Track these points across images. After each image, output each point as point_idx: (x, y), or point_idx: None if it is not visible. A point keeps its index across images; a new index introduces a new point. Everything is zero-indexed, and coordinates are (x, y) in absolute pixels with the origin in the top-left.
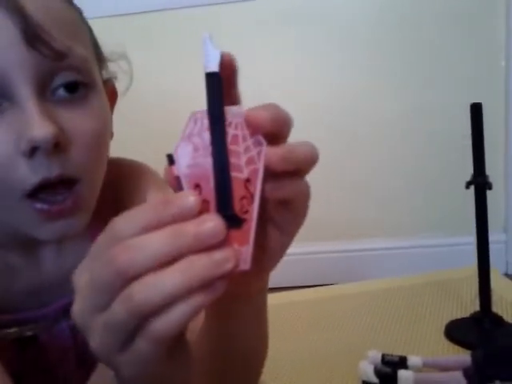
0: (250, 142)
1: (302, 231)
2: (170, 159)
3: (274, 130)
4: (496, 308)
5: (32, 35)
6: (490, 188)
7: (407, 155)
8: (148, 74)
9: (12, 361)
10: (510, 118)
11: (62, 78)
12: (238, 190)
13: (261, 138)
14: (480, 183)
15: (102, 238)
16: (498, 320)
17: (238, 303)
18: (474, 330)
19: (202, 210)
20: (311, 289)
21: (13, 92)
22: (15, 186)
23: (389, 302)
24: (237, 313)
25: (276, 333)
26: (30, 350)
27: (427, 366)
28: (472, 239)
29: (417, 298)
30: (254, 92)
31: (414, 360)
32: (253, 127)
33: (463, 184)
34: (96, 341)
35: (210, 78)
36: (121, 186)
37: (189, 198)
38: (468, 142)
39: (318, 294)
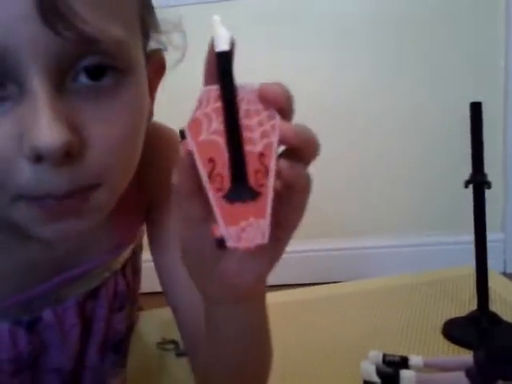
0: (263, 116)
1: (301, 229)
2: (182, 134)
3: (287, 106)
4: (493, 307)
5: (49, 8)
6: (490, 187)
7: (405, 154)
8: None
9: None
10: (509, 117)
11: (86, 61)
12: (252, 164)
13: (274, 112)
14: (479, 182)
15: None
16: (495, 319)
17: (237, 306)
18: (471, 329)
19: (217, 183)
20: (310, 287)
21: (22, 75)
22: (12, 190)
23: (386, 300)
24: (235, 317)
25: (275, 332)
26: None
27: (428, 366)
28: (470, 238)
29: (414, 297)
30: None
31: (415, 360)
32: (266, 101)
33: (461, 183)
34: None
35: (222, 56)
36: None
37: None
38: (467, 141)
39: (317, 293)
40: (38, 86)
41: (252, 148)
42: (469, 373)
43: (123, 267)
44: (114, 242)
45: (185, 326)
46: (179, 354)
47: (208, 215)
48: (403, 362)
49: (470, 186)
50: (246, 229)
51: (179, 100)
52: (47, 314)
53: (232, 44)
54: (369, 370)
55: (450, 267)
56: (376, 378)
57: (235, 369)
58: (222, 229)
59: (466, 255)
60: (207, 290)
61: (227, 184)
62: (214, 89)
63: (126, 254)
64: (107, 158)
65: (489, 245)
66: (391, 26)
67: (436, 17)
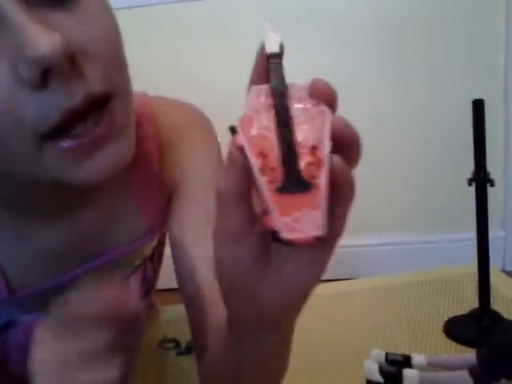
0: (313, 111)
1: None
2: (233, 130)
3: (334, 101)
4: (495, 304)
5: None
6: (493, 185)
7: (407, 152)
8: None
9: None
10: (510, 115)
11: None
12: (304, 157)
13: (324, 107)
14: (481, 180)
15: None
16: (496, 316)
17: (265, 330)
18: (472, 327)
19: (269, 176)
20: None
21: None
22: (27, 131)
23: (387, 299)
24: (262, 340)
25: None
26: None
27: (431, 365)
28: (471, 236)
29: (416, 296)
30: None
31: (418, 359)
32: (318, 95)
33: (463, 180)
34: None
35: (273, 57)
36: (163, 134)
37: None
38: (467, 140)
39: (316, 292)
40: (12, 8)
41: (304, 141)
42: (472, 371)
43: (152, 254)
44: (142, 227)
45: (196, 326)
46: (180, 353)
47: (249, 228)
48: (406, 361)
49: (472, 184)
50: (300, 219)
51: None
52: None
53: (282, 46)
54: (372, 369)
55: (452, 266)
56: (379, 377)
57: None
58: (275, 219)
59: (467, 254)
60: (244, 313)
61: (280, 177)
62: (264, 87)
63: (155, 242)
64: (106, 63)
65: (489, 242)
66: (391, 25)
67: (436, 16)
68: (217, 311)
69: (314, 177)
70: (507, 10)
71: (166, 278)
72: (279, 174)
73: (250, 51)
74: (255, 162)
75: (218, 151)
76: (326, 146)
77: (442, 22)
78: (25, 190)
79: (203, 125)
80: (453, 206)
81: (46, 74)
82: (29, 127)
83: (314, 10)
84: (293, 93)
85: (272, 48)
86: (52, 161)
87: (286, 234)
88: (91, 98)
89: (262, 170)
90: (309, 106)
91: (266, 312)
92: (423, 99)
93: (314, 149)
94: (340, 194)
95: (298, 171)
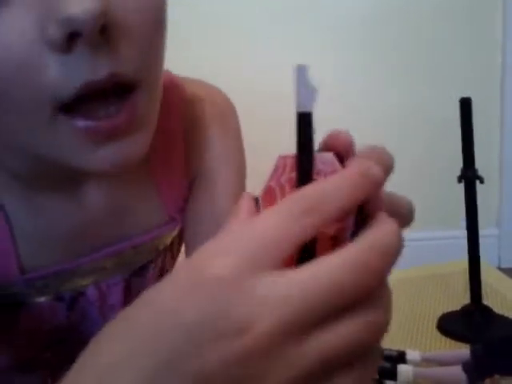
0: None
1: None
2: (257, 202)
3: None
4: (489, 301)
5: None
6: (482, 182)
7: (401, 149)
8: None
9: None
10: (505, 113)
11: None
12: (321, 247)
13: None
14: (470, 177)
15: (290, 208)
16: (488, 312)
17: None
18: (464, 323)
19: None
20: None
21: None
22: (43, 97)
23: None
24: None
25: None
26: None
27: (426, 361)
28: (464, 233)
29: (409, 292)
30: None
31: (412, 355)
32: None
33: (455, 178)
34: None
35: (303, 118)
36: (189, 115)
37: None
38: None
39: None
40: None
41: (325, 229)
42: (465, 367)
43: (171, 243)
44: (164, 215)
45: None
46: None
47: None
48: (400, 357)
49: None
50: None
51: None
52: (91, 291)
53: (314, 101)
54: None
55: (445, 262)
56: None
57: None
58: None
59: (461, 250)
60: None
61: (295, 261)
62: (291, 156)
63: (175, 231)
64: (141, 44)
65: (483, 240)
66: (390, 24)
67: (434, 15)
68: None
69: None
70: (504, 7)
71: None
72: (295, 258)
73: (248, 48)
74: None
75: (241, 141)
76: (347, 238)
77: (438, 19)
78: (35, 163)
79: (231, 112)
80: (447, 203)
81: (73, 38)
82: (45, 91)
83: (308, 7)
84: (321, 167)
85: (303, 105)
86: (65, 139)
87: None
88: (117, 80)
89: None
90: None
91: None
92: (418, 96)
93: (334, 238)
94: None
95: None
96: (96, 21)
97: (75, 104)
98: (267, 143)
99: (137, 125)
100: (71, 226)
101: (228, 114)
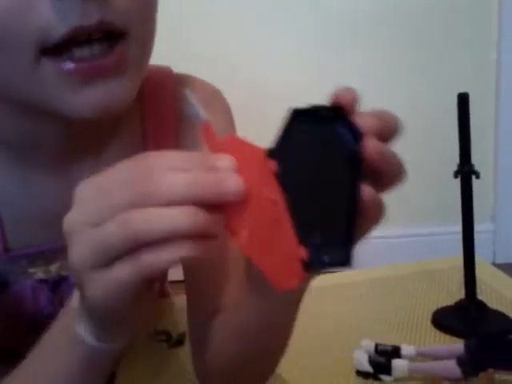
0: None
1: None
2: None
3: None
4: (483, 296)
5: None
6: (478, 177)
7: (396, 144)
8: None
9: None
10: (500, 109)
11: None
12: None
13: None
14: (466, 172)
15: (128, 165)
16: (482, 307)
17: (276, 299)
18: (459, 318)
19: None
20: None
21: None
22: (31, 36)
23: (376, 291)
24: (271, 308)
25: None
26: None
27: (420, 356)
28: (459, 228)
29: (404, 287)
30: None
31: (407, 349)
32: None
33: (451, 173)
34: (76, 252)
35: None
36: (184, 110)
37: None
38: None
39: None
40: None
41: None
42: (460, 361)
43: None
44: None
45: (195, 315)
46: (172, 345)
47: None
48: (395, 352)
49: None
50: None
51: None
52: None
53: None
54: (361, 359)
55: (440, 258)
56: (368, 367)
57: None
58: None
59: (456, 246)
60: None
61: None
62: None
63: None
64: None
65: (479, 235)
66: (386, 22)
67: (430, 13)
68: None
69: None
70: (500, 4)
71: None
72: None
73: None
74: None
75: (232, 121)
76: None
77: (435, 16)
78: (27, 126)
79: (224, 108)
80: (443, 198)
81: None
82: (34, 33)
83: (307, 4)
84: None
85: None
86: (49, 81)
87: None
88: (107, 28)
89: None
90: None
91: None
92: (415, 92)
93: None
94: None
95: None
96: None
97: (61, 49)
98: (267, 143)
99: (121, 69)
100: (60, 205)
101: (223, 110)
